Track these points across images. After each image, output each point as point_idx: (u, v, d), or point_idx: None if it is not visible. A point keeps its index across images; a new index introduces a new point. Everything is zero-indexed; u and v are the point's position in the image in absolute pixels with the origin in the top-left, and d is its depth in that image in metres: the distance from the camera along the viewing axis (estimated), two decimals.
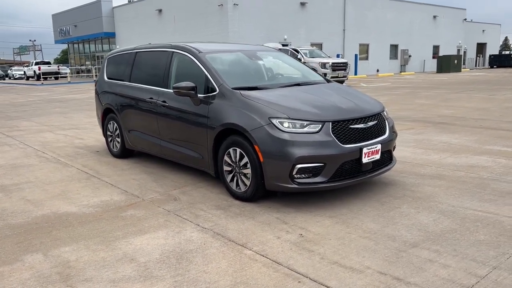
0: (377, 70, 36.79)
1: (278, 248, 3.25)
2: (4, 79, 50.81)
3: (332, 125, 4.03)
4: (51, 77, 40.29)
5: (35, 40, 78.82)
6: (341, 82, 19.83)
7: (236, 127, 4.18)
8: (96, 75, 35.12)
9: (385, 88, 19.69)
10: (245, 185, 4.23)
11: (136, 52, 5.96)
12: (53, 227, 3.82)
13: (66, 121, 10.91)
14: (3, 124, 10.81)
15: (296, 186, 3.94)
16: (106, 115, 6.56)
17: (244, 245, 3.32)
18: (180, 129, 4.91)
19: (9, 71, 53.48)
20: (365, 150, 4.12)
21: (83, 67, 45.02)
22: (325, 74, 18.40)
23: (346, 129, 4.10)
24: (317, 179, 3.97)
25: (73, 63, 47.90)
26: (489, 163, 5.60)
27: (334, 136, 4.00)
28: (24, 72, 44.36)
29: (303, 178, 3.96)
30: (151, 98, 5.35)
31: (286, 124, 3.95)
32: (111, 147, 6.60)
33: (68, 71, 39.91)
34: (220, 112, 4.40)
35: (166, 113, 5.11)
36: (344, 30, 34.05)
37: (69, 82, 33.58)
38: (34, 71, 40.74)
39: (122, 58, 6.31)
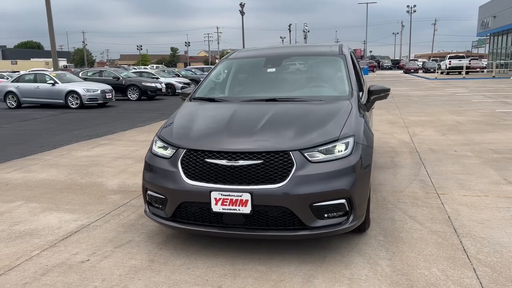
0: None
1: None
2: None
3: (184, 153, 3.42)
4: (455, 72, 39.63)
5: None
6: None
7: None
8: None
9: None
10: None
11: None
12: None
13: None
14: None
15: (148, 212, 3.70)
16: None
17: None
18: None
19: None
20: (215, 194, 3.23)
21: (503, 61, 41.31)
22: None
23: (198, 161, 3.35)
24: (162, 213, 3.56)
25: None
26: None
27: (181, 167, 3.40)
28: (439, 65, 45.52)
29: (153, 207, 3.65)
30: None
31: (159, 144, 3.72)
32: None
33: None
34: None
35: None
36: None
37: (493, 77, 32.11)
38: (445, 65, 41.35)
39: None
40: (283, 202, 3.15)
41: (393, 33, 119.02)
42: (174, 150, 3.49)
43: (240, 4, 49.68)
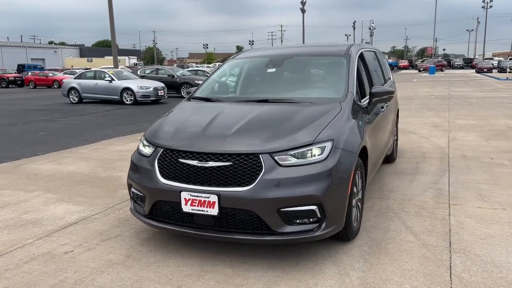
0: None
1: None
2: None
3: (161, 152, 3.48)
4: None
5: None
6: None
7: None
8: None
9: None
10: None
11: None
12: None
13: None
14: None
15: (132, 209, 3.81)
16: None
17: None
18: None
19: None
20: (184, 194, 3.25)
21: None
22: None
23: (173, 161, 3.39)
24: (141, 210, 3.64)
25: None
26: None
27: (158, 166, 3.46)
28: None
29: (137, 204, 3.75)
30: None
31: (143, 142, 3.81)
32: None
33: None
34: None
35: None
36: None
37: None
38: None
39: None
40: (250, 206, 3.10)
41: (467, 30, 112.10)
42: (153, 149, 3.56)
43: (301, 2, 49.30)
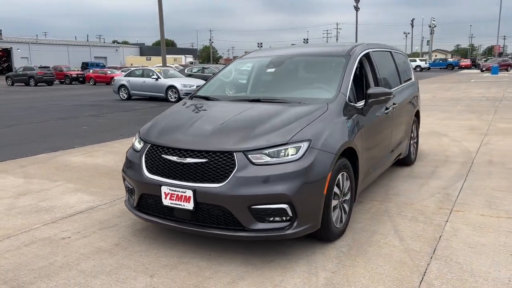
0: None
1: None
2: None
3: (148, 148, 3.68)
4: None
5: None
6: None
7: None
8: None
9: None
10: None
11: None
12: None
13: None
14: None
15: (126, 201, 4.03)
16: None
17: None
18: None
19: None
20: (164, 189, 3.43)
21: None
22: None
23: (157, 156, 3.57)
24: (132, 202, 3.86)
25: None
26: None
27: (144, 160, 3.66)
28: None
29: (129, 196, 3.97)
30: None
31: (138, 138, 4.02)
32: None
33: None
34: None
35: None
36: None
37: None
38: None
39: None
40: (222, 202, 3.21)
41: None
42: (142, 145, 3.76)
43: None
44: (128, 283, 3.09)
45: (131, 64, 60.48)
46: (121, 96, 19.74)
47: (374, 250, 3.53)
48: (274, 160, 3.24)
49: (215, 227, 3.33)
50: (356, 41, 52.21)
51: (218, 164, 3.27)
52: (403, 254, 3.44)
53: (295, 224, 3.24)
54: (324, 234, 3.54)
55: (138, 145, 3.83)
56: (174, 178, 3.40)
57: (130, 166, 3.80)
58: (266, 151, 3.27)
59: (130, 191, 3.85)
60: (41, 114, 14.25)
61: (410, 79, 6.38)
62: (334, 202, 3.58)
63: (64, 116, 13.74)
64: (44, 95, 24.04)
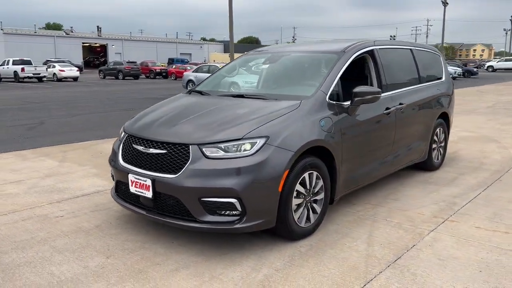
0: None
1: None
2: None
3: (125, 138, 3.91)
4: None
5: None
6: None
7: None
8: None
9: None
10: None
11: None
12: None
13: None
14: None
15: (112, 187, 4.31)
16: None
17: None
18: None
19: None
20: (131, 176, 3.63)
21: None
22: None
23: (129, 146, 3.79)
24: (114, 188, 4.12)
25: None
26: None
27: (121, 149, 3.90)
28: None
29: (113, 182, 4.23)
30: None
31: (122, 129, 4.27)
32: None
33: None
34: None
35: None
36: None
37: None
38: None
39: None
40: (175, 192, 3.33)
41: None
42: (123, 135, 3.99)
43: None
44: (84, 261, 3.32)
45: (214, 61, 62.67)
46: None
47: (334, 252, 3.42)
48: (228, 154, 3.28)
49: (172, 217, 3.45)
50: (443, 39, 49.30)
51: (175, 155, 3.38)
52: (361, 259, 3.30)
53: (244, 218, 3.25)
54: (283, 231, 3.51)
55: (121, 136, 4.07)
56: (139, 167, 3.58)
57: (112, 155, 4.05)
58: (222, 145, 3.31)
59: (112, 178, 4.11)
60: (111, 105, 15.39)
61: (439, 78, 5.97)
62: (297, 201, 3.52)
63: (129, 107, 14.71)
64: (125, 88, 25.82)
